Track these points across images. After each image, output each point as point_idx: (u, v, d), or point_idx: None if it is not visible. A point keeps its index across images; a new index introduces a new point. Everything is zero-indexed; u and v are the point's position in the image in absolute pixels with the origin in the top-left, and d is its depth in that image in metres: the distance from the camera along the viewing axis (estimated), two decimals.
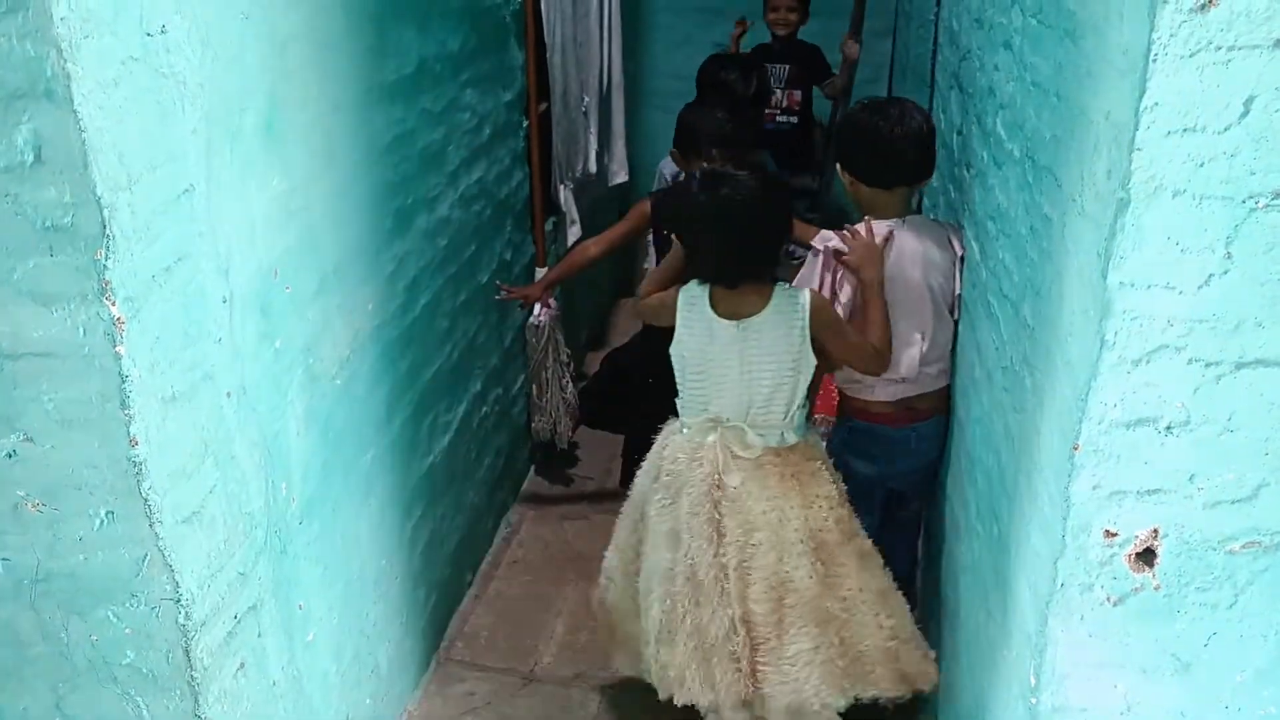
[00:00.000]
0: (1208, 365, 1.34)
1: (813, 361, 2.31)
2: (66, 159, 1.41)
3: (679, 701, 2.37)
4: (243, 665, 1.88)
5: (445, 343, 2.87)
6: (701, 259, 2.34)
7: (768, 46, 4.62)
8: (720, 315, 2.32)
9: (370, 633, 2.49)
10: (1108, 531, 1.44)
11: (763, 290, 2.30)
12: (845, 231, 2.46)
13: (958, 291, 2.45)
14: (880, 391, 2.50)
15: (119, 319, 1.49)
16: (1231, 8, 1.18)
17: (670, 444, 2.42)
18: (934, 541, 2.69)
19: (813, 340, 2.30)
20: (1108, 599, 1.48)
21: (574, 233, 3.97)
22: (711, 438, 2.34)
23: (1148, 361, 1.35)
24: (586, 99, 4.03)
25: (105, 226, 1.44)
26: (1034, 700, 1.57)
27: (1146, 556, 1.45)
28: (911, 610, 2.43)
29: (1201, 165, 1.25)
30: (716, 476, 2.32)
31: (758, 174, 2.34)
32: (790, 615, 2.30)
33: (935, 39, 3.38)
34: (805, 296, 2.31)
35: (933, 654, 2.40)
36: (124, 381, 1.52)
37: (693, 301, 2.35)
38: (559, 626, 3.09)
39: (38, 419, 1.56)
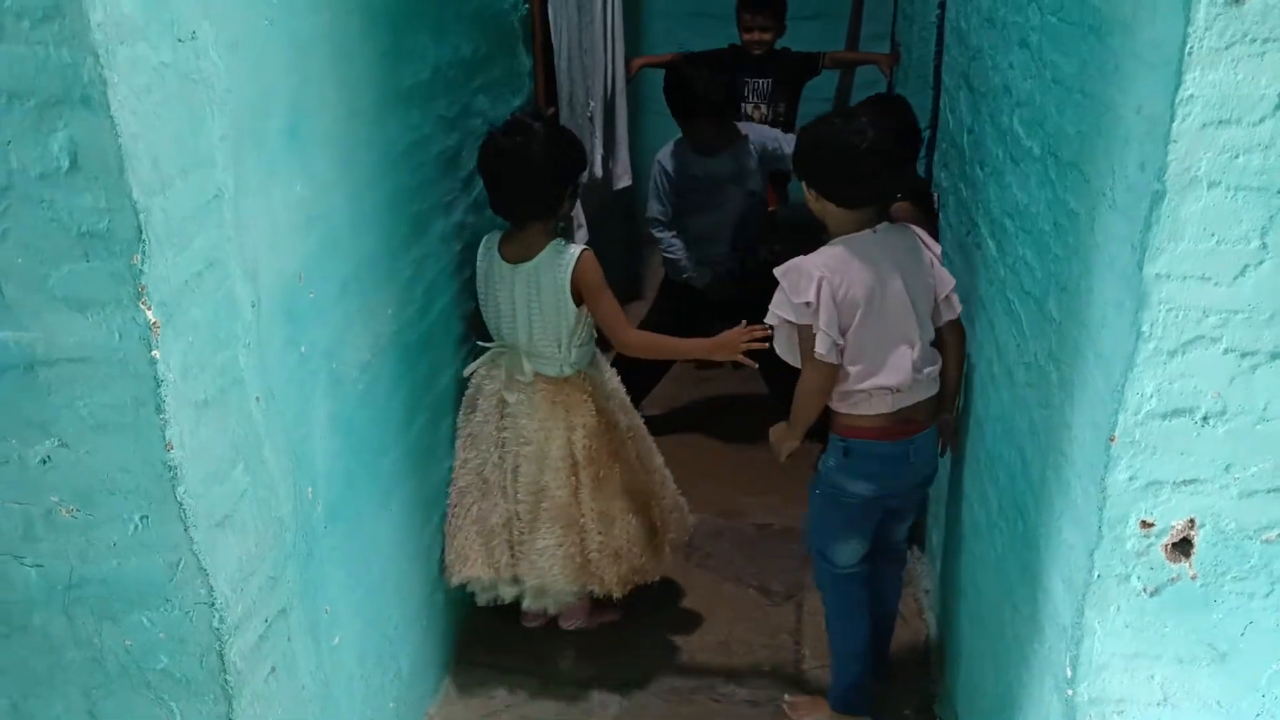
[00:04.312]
0: (1243, 355, 1.35)
1: (573, 309, 2.66)
2: (101, 164, 1.42)
3: (464, 577, 2.78)
4: (274, 669, 1.88)
5: (462, 346, 2.87)
6: (492, 194, 2.70)
7: (743, 58, 4.52)
8: (504, 259, 2.69)
9: (392, 636, 2.49)
10: (1144, 522, 1.45)
11: (542, 241, 2.66)
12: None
13: (943, 292, 2.41)
14: (877, 403, 2.38)
15: (155, 324, 1.49)
16: (1266, 0, 1.20)
17: (476, 364, 2.80)
18: (951, 540, 2.70)
19: (574, 293, 2.64)
20: (1144, 589, 1.49)
21: (580, 236, 3.97)
22: (502, 359, 2.75)
23: (1183, 352, 1.36)
24: (591, 104, 4.04)
25: (141, 231, 1.45)
26: (1070, 692, 1.58)
27: (1183, 546, 1.46)
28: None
29: (1237, 157, 1.26)
30: (501, 393, 2.74)
31: (553, 128, 2.73)
32: (544, 516, 2.73)
33: (939, 40, 3.40)
34: (574, 251, 2.66)
35: (649, 576, 2.89)
36: (159, 386, 1.53)
37: (489, 246, 2.74)
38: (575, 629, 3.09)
39: (72, 424, 1.57)
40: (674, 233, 3.98)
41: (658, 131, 5.19)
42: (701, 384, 4.52)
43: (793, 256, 2.46)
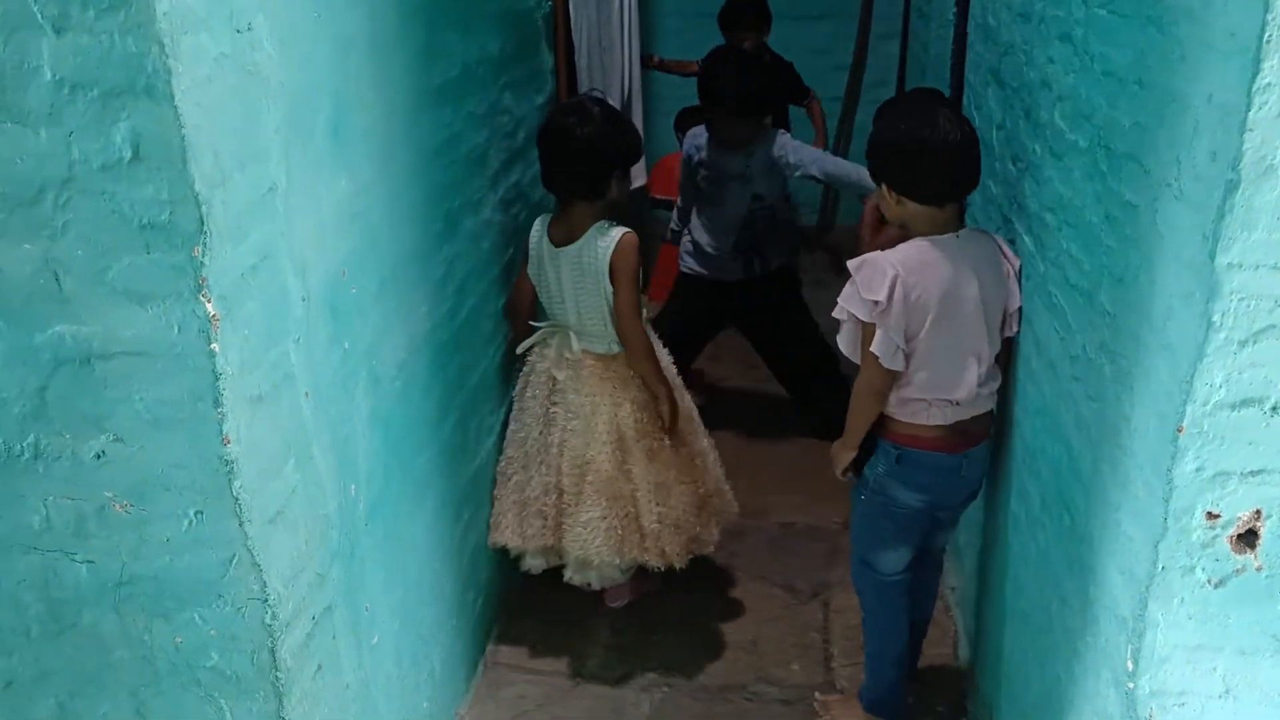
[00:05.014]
0: None
1: (611, 288, 2.72)
2: (165, 156, 1.41)
3: (494, 542, 2.92)
4: (320, 667, 1.87)
5: (489, 345, 2.86)
6: (542, 168, 2.81)
7: None
8: (552, 241, 2.77)
9: (426, 635, 2.48)
10: (1210, 514, 1.45)
11: (587, 223, 2.73)
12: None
13: (1013, 307, 2.32)
14: (936, 415, 2.32)
15: (214, 316, 1.48)
16: None
17: (528, 342, 2.91)
18: (986, 537, 2.69)
19: (612, 271, 2.70)
20: (1209, 581, 1.48)
21: None
22: (553, 339, 2.85)
23: (1254, 342, 1.35)
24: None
25: (203, 223, 1.44)
26: (1131, 685, 1.57)
27: (1248, 538, 1.46)
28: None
29: None
30: (551, 370, 2.83)
31: (610, 113, 2.77)
32: (588, 490, 2.79)
33: (961, 37, 3.40)
34: (616, 233, 2.71)
35: (707, 546, 2.99)
36: (217, 379, 1.52)
37: (540, 228, 2.83)
38: (604, 629, 3.08)
39: (127, 419, 1.55)
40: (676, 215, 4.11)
41: (669, 132, 5.20)
42: (720, 383, 4.52)
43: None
